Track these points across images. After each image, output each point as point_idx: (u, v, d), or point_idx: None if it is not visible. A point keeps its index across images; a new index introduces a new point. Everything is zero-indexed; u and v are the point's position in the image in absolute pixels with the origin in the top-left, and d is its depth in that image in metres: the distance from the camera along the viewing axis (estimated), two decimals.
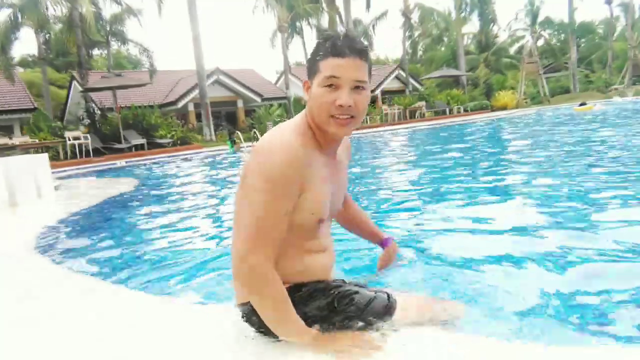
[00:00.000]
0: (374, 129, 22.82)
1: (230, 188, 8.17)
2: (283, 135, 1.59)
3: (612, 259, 2.57)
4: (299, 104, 26.90)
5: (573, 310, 1.99)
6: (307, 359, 1.52)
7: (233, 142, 17.72)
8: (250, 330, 1.70)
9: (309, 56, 1.68)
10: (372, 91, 36.31)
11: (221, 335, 1.79)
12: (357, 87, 1.58)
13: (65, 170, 14.16)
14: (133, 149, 18.94)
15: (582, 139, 9.55)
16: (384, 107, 29.79)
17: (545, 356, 1.52)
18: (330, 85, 1.57)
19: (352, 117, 1.60)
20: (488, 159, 8.42)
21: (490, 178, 6.02)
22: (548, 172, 5.84)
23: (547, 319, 1.91)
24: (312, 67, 1.63)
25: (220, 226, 4.51)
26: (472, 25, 39.26)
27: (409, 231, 3.44)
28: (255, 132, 19.43)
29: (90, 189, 9.27)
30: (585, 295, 2.14)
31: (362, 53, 1.59)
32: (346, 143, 1.87)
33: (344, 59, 1.56)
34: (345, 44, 1.57)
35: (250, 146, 17.96)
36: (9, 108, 25.25)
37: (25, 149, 15.58)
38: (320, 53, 1.60)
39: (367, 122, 25.84)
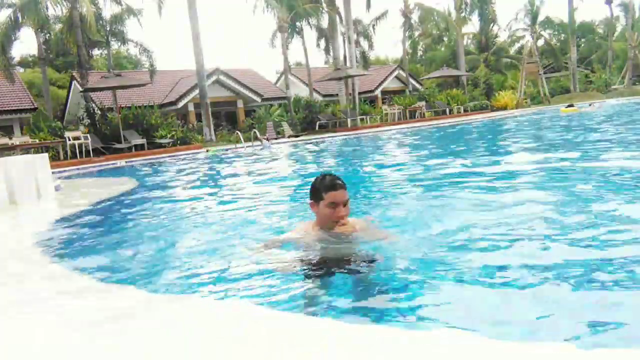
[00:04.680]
0: (374, 129, 22.80)
1: (228, 187, 8.18)
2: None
3: (610, 255, 2.57)
4: (298, 104, 26.88)
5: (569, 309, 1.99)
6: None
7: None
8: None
9: (313, 186, 2.86)
10: (372, 91, 36.35)
11: (221, 332, 1.79)
12: (345, 204, 2.81)
13: (65, 170, 14.16)
14: (133, 149, 18.94)
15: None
16: (384, 107, 29.75)
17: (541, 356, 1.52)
18: (333, 207, 2.77)
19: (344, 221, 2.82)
20: (484, 156, 8.43)
21: (486, 176, 6.03)
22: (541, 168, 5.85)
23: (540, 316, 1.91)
24: (317, 195, 2.82)
25: (218, 224, 4.51)
26: (472, 25, 39.26)
27: (404, 229, 3.45)
28: (255, 132, 19.43)
29: (90, 189, 9.27)
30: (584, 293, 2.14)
31: (343, 186, 2.81)
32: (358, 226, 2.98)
33: (337, 191, 2.78)
34: (334, 184, 2.78)
35: (249, 146, 17.97)
36: (9, 108, 25.24)
37: (25, 149, 15.58)
38: (323, 189, 2.79)
39: (367, 122, 25.82)
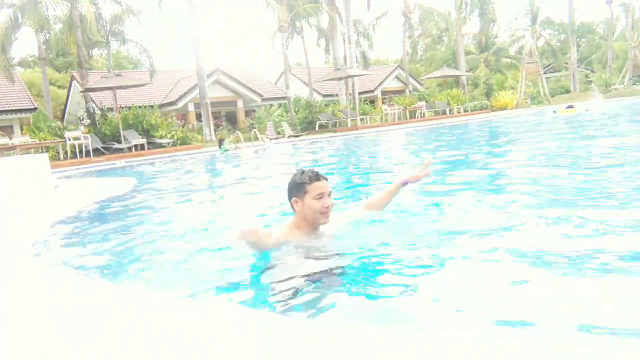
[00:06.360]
0: (374, 129, 22.80)
1: (227, 186, 8.18)
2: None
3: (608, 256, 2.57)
4: (298, 104, 26.86)
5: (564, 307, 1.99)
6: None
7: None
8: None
9: (294, 182, 2.83)
10: (372, 91, 36.34)
11: (220, 332, 1.79)
12: (330, 194, 2.84)
13: (65, 170, 14.16)
14: (133, 149, 18.93)
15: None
16: (384, 107, 29.75)
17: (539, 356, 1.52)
18: (319, 198, 2.78)
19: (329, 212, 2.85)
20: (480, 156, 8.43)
21: (484, 178, 6.03)
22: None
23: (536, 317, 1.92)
24: (301, 190, 2.79)
25: (219, 224, 4.51)
26: (472, 25, 39.26)
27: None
28: (255, 132, 19.45)
29: (90, 189, 9.26)
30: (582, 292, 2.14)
31: (326, 178, 2.87)
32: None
33: (321, 182, 2.81)
34: (318, 175, 2.82)
35: (249, 146, 17.98)
36: (9, 108, 25.27)
37: (25, 149, 15.58)
38: (307, 182, 2.78)
39: (367, 122, 25.81)
